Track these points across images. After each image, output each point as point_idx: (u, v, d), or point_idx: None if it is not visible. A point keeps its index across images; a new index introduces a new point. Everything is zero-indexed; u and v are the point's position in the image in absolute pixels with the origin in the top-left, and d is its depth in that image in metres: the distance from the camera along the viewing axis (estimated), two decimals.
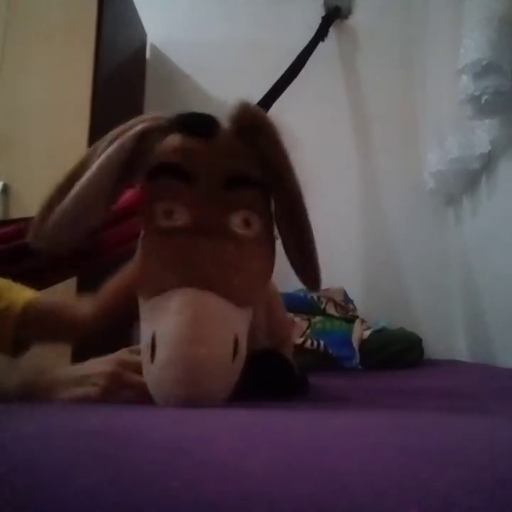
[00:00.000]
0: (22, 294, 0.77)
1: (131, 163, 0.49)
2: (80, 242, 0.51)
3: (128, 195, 1.06)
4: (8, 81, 1.45)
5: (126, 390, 0.53)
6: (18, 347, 0.75)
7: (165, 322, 0.45)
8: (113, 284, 0.71)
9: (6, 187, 1.36)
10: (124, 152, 0.48)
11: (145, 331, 0.47)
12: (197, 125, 0.50)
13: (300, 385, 0.62)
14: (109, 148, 0.49)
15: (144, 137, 0.50)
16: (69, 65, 1.46)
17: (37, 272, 0.95)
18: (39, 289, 0.95)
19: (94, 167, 0.47)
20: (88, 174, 0.47)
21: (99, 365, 0.56)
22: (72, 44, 1.46)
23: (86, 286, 1.31)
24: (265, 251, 0.54)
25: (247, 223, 0.50)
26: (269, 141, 0.49)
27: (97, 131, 1.40)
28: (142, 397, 0.53)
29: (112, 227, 1.02)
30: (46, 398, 0.53)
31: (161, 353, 0.44)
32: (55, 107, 1.43)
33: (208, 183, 0.49)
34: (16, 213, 1.35)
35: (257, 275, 0.51)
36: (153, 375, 0.45)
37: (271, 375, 0.57)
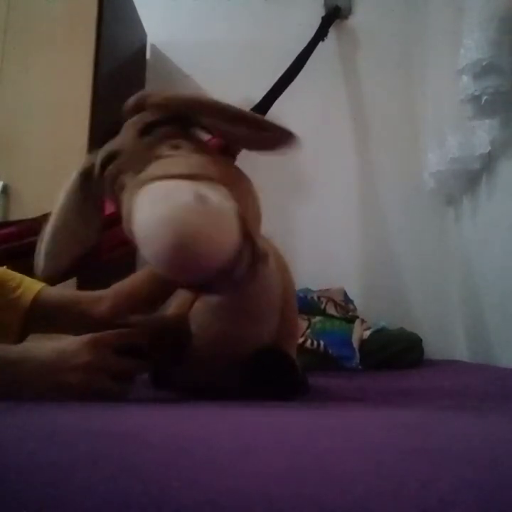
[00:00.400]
0: (33, 286, 0.78)
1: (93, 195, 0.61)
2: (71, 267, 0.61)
3: None
4: (9, 82, 1.45)
5: (105, 377, 0.54)
6: (23, 335, 0.75)
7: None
8: (131, 282, 0.71)
9: (5, 187, 1.36)
10: (72, 194, 0.62)
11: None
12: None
13: (301, 385, 0.61)
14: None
15: (86, 175, 0.61)
16: (69, 65, 1.46)
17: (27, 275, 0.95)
18: None
19: (54, 212, 0.60)
20: (52, 217, 0.59)
21: (72, 355, 0.54)
22: (72, 44, 1.47)
23: (85, 287, 1.31)
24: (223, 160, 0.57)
25: (176, 147, 0.55)
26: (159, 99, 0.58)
27: (97, 131, 1.40)
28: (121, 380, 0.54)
29: (113, 228, 1.02)
30: (14, 391, 0.51)
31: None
32: (55, 108, 1.44)
33: (133, 146, 0.57)
34: (15, 213, 1.35)
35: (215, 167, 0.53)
36: (138, 225, 0.46)
37: (273, 374, 0.56)
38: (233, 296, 0.57)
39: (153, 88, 2.03)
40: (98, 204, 0.63)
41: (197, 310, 0.61)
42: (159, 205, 0.45)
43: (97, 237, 0.63)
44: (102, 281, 1.49)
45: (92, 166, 0.60)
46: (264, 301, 0.61)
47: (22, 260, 0.94)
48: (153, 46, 2.08)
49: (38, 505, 0.19)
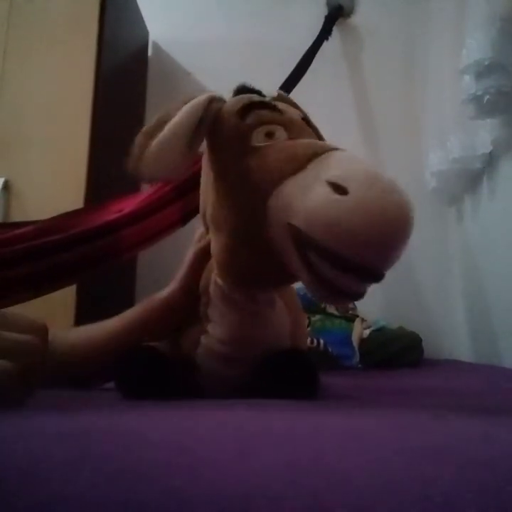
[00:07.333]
0: None
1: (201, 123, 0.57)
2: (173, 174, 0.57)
3: (148, 193, 1.07)
4: (11, 78, 1.45)
5: None
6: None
7: (343, 167, 0.45)
8: (187, 261, 0.71)
9: (7, 183, 1.36)
10: (199, 109, 0.55)
11: (312, 187, 0.45)
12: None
13: (318, 385, 0.60)
14: (184, 107, 0.55)
15: (210, 103, 0.57)
16: (71, 62, 1.46)
17: (44, 275, 0.94)
18: (44, 293, 0.94)
19: (177, 116, 0.54)
20: (174, 119, 0.54)
21: None
22: (74, 42, 1.47)
23: (86, 292, 1.31)
24: None
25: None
26: None
27: (98, 128, 1.40)
28: None
29: (133, 226, 1.01)
30: None
31: (357, 183, 0.43)
32: (56, 104, 1.44)
33: (291, 113, 0.58)
34: (17, 210, 1.35)
35: None
36: (350, 204, 0.42)
37: (292, 374, 0.56)
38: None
39: (155, 86, 2.03)
40: (199, 138, 0.58)
41: (203, 356, 0.61)
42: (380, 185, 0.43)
43: (183, 165, 0.59)
44: (101, 288, 1.49)
45: (216, 100, 0.58)
46: (273, 340, 0.61)
47: (40, 260, 0.93)
48: (155, 43, 2.08)
49: (39, 505, 0.19)
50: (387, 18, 2.06)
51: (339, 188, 0.43)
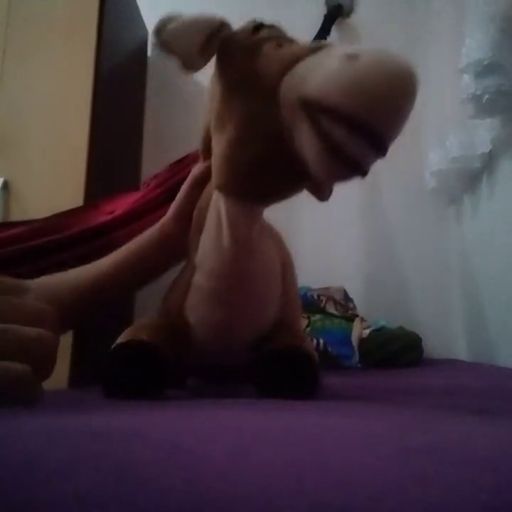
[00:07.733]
0: None
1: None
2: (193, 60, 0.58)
3: (141, 195, 1.08)
4: (10, 77, 1.45)
5: None
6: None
7: (352, 47, 0.48)
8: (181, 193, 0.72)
9: (6, 183, 1.36)
10: (214, 21, 0.61)
11: (325, 61, 0.47)
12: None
13: (318, 383, 0.59)
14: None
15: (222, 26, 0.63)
16: (70, 61, 1.46)
17: (42, 275, 0.95)
18: None
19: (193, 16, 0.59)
20: (191, 16, 0.59)
21: None
22: (73, 40, 1.46)
23: None
24: None
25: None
26: None
27: (97, 127, 1.40)
28: None
29: (127, 226, 1.02)
30: None
31: (368, 52, 0.47)
32: (56, 104, 1.43)
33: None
34: (16, 210, 1.35)
35: None
36: (362, 66, 0.45)
37: (293, 372, 0.55)
38: (232, 278, 0.57)
39: (155, 85, 2.03)
40: (210, 50, 0.61)
41: (194, 300, 0.60)
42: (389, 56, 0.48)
43: (197, 64, 0.59)
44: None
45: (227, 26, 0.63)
46: (264, 276, 0.60)
47: (37, 260, 0.94)
48: (154, 43, 2.08)
49: (39, 505, 0.19)
50: (386, 18, 2.05)
51: (351, 58, 0.45)
